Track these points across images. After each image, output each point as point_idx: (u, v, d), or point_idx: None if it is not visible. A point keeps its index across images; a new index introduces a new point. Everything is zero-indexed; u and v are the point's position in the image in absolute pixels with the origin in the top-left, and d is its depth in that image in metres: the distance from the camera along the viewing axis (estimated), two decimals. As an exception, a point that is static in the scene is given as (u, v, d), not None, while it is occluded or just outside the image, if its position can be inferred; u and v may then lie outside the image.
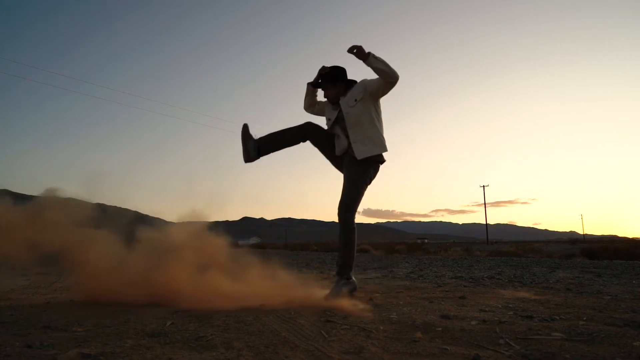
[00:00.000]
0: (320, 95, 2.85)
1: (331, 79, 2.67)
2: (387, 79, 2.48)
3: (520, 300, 2.35)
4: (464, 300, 2.36)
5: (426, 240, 56.10)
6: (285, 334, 1.53)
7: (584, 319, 1.78)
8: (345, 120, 2.59)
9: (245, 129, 2.64)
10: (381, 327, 1.64)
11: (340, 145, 2.65)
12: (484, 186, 50.72)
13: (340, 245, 2.58)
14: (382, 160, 2.65)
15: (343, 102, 2.63)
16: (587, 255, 11.15)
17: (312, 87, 2.79)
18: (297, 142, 2.67)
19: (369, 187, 2.64)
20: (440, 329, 1.61)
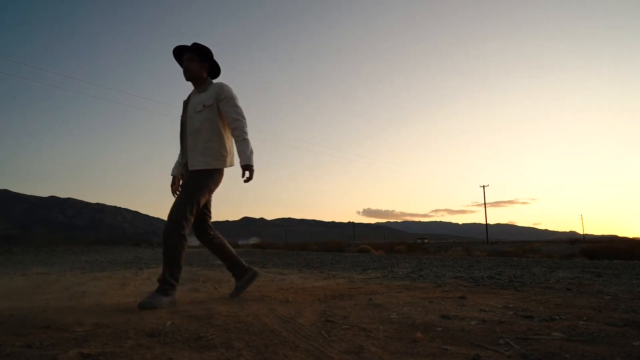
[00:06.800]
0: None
1: (202, 52, 2.41)
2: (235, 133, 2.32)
3: (520, 300, 2.35)
4: (464, 300, 2.36)
5: (426, 240, 56.09)
6: (285, 334, 1.53)
7: (584, 319, 1.78)
8: (187, 126, 2.34)
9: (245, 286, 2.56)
10: (381, 327, 1.64)
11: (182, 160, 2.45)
12: (484, 186, 50.72)
13: (163, 256, 2.23)
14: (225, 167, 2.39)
15: (191, 103, 2.39)
16: (587, 255, 11.16)
17: (178, 60, 2.47)
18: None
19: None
20: (440, 329, 1.61)
